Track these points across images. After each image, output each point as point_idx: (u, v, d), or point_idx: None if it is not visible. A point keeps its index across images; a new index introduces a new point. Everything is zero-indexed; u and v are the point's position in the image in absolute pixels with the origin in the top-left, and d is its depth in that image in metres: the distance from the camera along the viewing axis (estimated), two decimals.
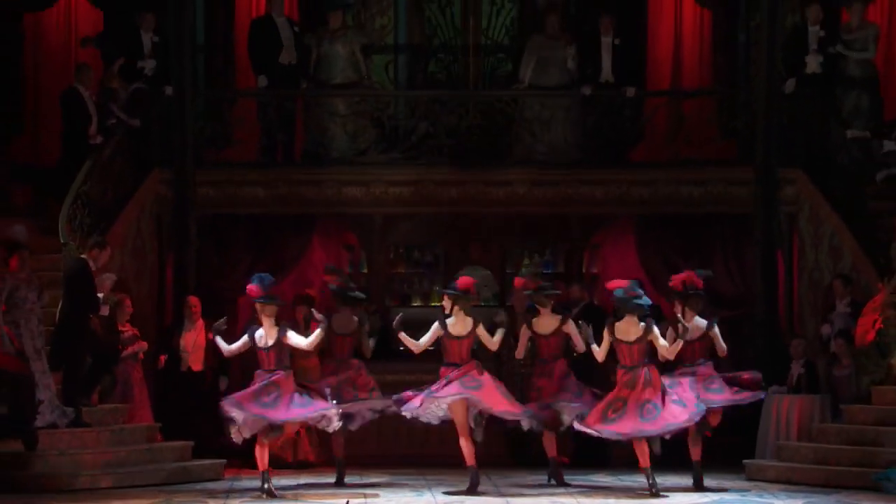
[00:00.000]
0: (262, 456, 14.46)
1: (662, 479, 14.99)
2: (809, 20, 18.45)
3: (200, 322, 16.84)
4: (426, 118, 18.40)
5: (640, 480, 14.89)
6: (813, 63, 18.31)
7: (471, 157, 18.34)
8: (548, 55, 18.57)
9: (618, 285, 14.84)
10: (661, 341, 14.62)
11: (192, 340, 16.82)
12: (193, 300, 16.96)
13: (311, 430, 16.30)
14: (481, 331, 14.80)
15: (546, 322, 15.20)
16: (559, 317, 15.23)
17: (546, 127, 18.43)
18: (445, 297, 14.86)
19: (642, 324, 14.57)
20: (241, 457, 15.79)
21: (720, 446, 15.47)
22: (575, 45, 18.73)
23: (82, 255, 15.53)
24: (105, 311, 15.62)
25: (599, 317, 16.19)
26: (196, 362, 16.81)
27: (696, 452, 15.04)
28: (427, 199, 18.29)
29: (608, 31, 18.66)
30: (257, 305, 14.62)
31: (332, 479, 15.55)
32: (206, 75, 19.10)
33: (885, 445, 15.00)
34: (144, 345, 16.52)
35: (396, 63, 19.48)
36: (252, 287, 14.66)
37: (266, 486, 14.37)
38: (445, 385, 14.55)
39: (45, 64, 19.51)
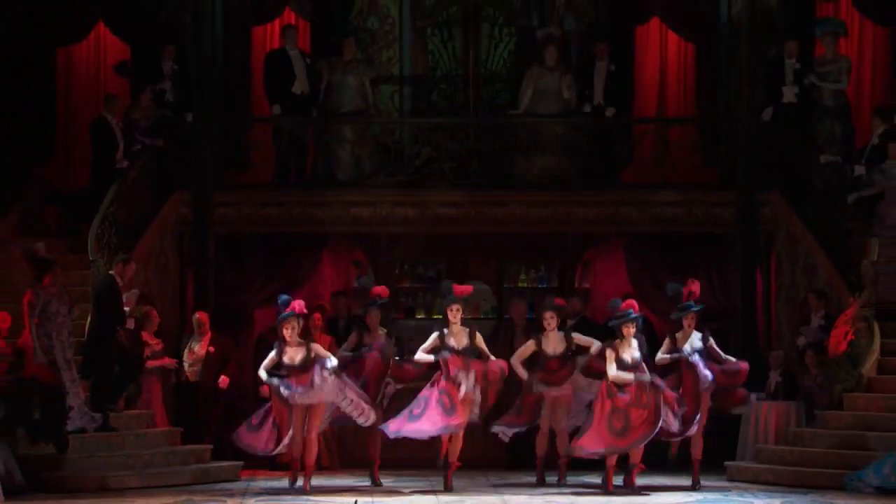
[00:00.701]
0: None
1: (650, 480, 15.51)
2: (786, 54, 18.57)
3: (208, 336, 17.09)
4: (429, 144, 18.72)
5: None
6: (789, 93, 18.50)
7: (471, 180, 18.67)
8: (545, 85, 18.83)
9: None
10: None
11: (194, 353, 17.06)
12: (202, 317, 17.22)
13: (329, 436, 16.58)
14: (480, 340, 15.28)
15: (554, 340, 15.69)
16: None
17: (541, 151, 18.71)
18: (454, 309, 15.17)
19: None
20: (256, 459, 16.06)
21: (704, 449, 15.64)
22: (571, 75, 18.92)
23: (110, 272, 15.89)
24: (130, 323, 15.94)
25: (593, 329, 16.59)
26: (193, 374, 17.07)
27: (696, 451, 15.51)
28: (430, 218, 18.58)
29: (603, 56, 18.94)
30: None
31: (335, 481, 15.83)
32: (225, 103, 19.04)
33: (857, 448, 15.37)
34: (174, 363, 16.87)
35: (401, 92, 19.59)
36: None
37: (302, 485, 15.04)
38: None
39: (75, 94, 19.74)
